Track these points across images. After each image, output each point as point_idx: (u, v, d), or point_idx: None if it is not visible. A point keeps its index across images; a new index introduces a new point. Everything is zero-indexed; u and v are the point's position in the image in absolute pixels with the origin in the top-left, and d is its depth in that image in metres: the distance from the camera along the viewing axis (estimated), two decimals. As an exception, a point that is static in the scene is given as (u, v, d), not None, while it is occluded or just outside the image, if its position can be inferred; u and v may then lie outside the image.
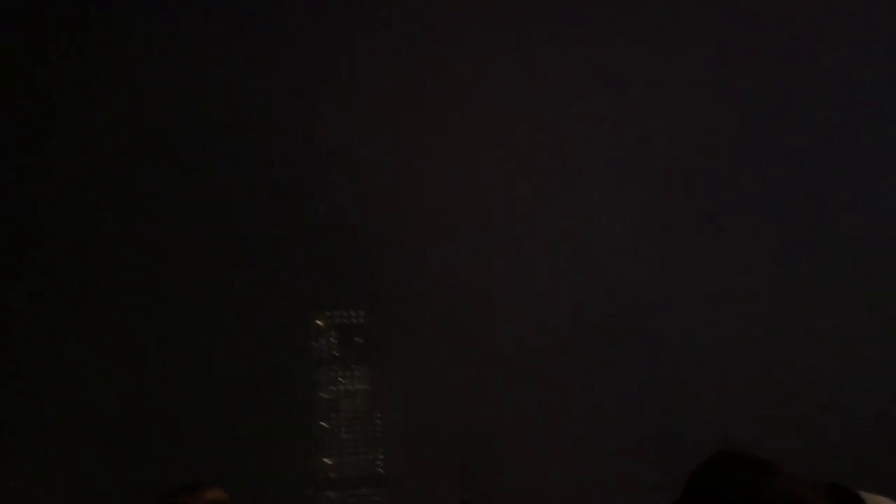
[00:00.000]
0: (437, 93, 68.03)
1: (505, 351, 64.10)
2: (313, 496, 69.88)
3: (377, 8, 69.77)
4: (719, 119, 64.56)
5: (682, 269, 64.90)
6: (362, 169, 67.49)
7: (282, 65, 70.20)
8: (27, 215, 65.24)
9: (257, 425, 64.85)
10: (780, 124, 63.31)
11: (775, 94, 63.32)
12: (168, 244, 67.06)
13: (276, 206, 72.27)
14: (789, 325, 61.46)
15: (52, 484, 60.49)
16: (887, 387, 57.69)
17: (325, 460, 71.08)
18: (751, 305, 62.04)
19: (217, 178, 70.71)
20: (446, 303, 65.32)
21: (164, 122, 67.97)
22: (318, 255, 74.72)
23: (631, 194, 64.41)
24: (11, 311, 63.68)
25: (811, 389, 58.54)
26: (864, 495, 4.14)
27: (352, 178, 69.77)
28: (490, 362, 63.87)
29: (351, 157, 67.65)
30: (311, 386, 73.47)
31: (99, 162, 66.59)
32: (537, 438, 63.08)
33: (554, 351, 64.29)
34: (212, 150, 70.04)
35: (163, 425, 62.92)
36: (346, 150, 67.33)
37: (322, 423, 72.24)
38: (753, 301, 62.17)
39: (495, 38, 65.60)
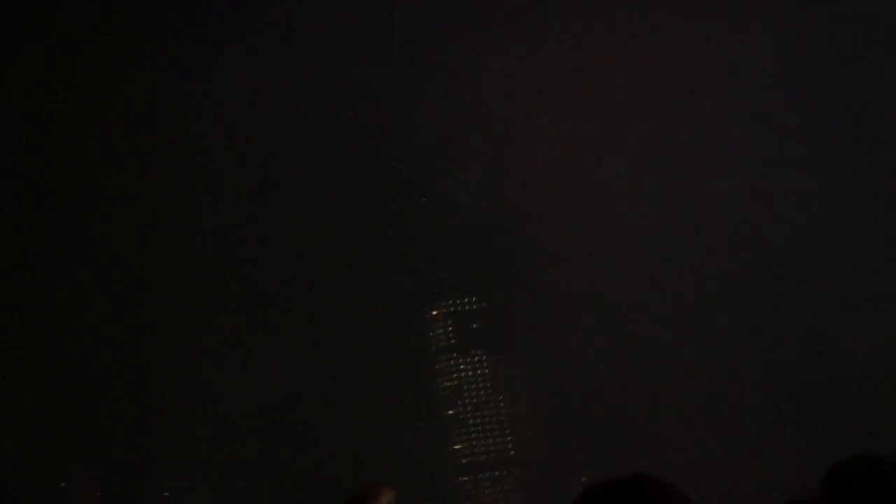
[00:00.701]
0: (544, 79, 68.05)
1: (628, 322, 62.78)
2: (448, 482, 71.39)
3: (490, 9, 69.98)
4: (851, 62, 62.22)
5: (815, 212, 61.55)
6: (471, 158, 68.04)
7: (388, 63, 71.55)
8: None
9: (385, 419, 66.20)
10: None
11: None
12: (286, 246, 69.04)
13: (386, 201, 73.69)
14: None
15: (209, 481, 63.32)
16: None
17: (456, 446, 72.50)
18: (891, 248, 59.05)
19: (329, 177, 72.56)
20: (561, 281, 64.88)
21: (279, 127, 70.03)
22: (425, 247, 75.86)
23: (752, 135, 62.40)
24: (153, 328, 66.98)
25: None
26: None
27: (461, 168, 70.58)
28: (612, 336, 62.67)
29: (460, 148, 68.28)
30: (433, 375, 74.90)
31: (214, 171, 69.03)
32: (665, 411, 61.98)
33: (681, 321, 62.51)
34: (322, 150, 72.00)
35: (292, 425, 64.81)
36: (455, 141, 67.96)
37: (449, 411, 73.73)
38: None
39: (613, 26, 65.14)
